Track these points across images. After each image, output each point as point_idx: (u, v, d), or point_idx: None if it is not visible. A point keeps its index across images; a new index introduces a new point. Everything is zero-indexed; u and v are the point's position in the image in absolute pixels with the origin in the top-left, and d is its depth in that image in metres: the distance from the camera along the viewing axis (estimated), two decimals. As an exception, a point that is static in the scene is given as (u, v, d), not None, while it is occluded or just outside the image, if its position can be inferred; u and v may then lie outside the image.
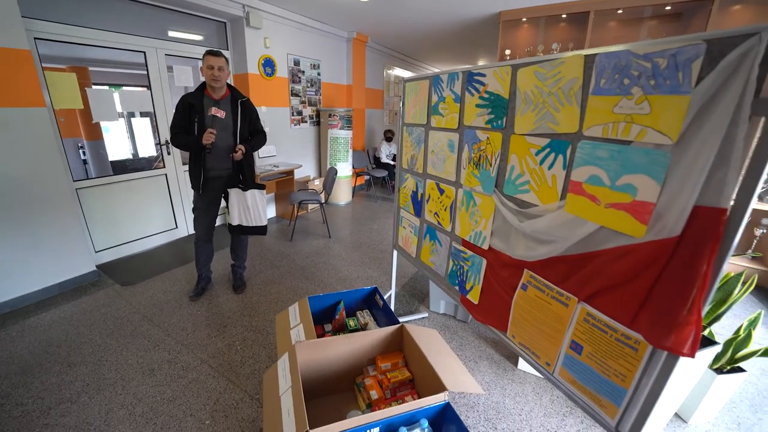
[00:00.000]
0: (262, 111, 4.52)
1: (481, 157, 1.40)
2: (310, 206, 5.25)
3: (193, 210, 2.68)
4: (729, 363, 1.70)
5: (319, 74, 5.36)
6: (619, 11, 3.70)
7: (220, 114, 2.40)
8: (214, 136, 2.36)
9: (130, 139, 8.25)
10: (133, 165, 4.05)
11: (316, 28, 5.05)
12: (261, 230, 2.77)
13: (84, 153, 5.24)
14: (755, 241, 3.45)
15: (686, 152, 0.81)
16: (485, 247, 1.45)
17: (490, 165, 1.36)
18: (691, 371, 1.60)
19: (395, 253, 2.37)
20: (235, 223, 2.71)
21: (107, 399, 1.87)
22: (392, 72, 7.47)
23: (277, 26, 4.53)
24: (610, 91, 0.94)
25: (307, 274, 3.31)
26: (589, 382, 1.04)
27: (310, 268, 3.41)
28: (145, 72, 3.60)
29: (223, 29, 4.28)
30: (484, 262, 1.47)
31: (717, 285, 0.80)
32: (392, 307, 2.53)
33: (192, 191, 2.63)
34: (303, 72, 5.07)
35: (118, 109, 3.44)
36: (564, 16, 3.99)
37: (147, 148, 6.47)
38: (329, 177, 4.10)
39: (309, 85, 5.21)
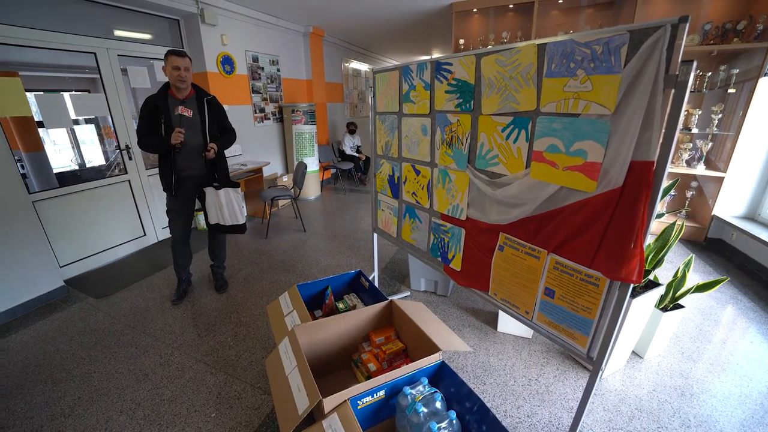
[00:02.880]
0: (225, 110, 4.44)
1: (453, 137, 1.56)
2: (281, 203, 5.24)
3: (168, 213, 2.65)
4: (671, 302, 2.00)
5: (278, 70, 5.32)
6: (560, 1, 4.01)
7: (188, 113, 2.39)
8: (183, 136, 2.36)
9: (74, 148, 7.71)
10: (84, 175, 3.81)
11: (272, 24, 5.00)
12: (239, 229, 2.78)
13: (23, 166, 4.87)
14: (687, 201, 3.92)
15: (621, 120, 1.01)
16: (463, 217, 1.62)
17: (462, 144, 1.52)
18: (642, 312, 1.87)
19: (375, 236, 2.50)
20: (212, 222, 2.71)
21: (104, 408, 1.86)
22: (350, 65, 7.51)
23: (234, 22, 4.46)
24: (560, 73, 1.12)
25: (287, 267, 3.36)
26: (562, 320, 1.24)
27: (289, 262, 3.47)
28: (90, 75, 3.43)
29: (177, 27, 4.14)
30: (463, 231, 1.64)
31: (652, 229, 1.00)
32: (377, 288, 2.67)
33: (164, 195, 2.60)
34: (262, 68, 5.01)
35: (72, 115, 3.27)
36: (511, 6, 4.26)
37: (95, 157, 6.11)
38: (299, 172, 4.14)
39: (269, 81, 5.17)
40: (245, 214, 4.78)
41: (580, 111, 1.09)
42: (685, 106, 0.95)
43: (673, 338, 2.27)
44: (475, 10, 4.42)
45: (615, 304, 1.09)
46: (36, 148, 4.88)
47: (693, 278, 3.04)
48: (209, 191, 2.61)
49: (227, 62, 4.42)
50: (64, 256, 3.26)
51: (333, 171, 6.84)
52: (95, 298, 2.94)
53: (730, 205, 3.56)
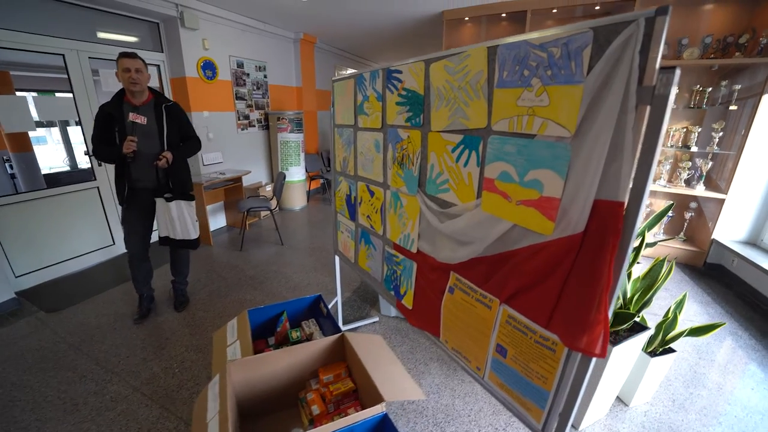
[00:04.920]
0: (204, 116, 4.28)
1: (404, 156, 1.35)
2: (263, 213, 5.05)
3: (122, 225, 2.49)
4: (661, 345, 1.77)
5: (265, 77, 5.16)
6: (554, 10, 3.84)
7: (140, 120, 2.22)
8: (135, 144, 2.19)
9: (66, 149, 7.61)
10: (71, 178, 3.64)
11: (260, 29, 4.86)
12: (191, 244, 2.59)
13: (11, 167, 4.75)
14: (685, 224, 3.69)
15: (583, 144, 0.79)
16: (413, 250, 1.40)
17: (413, 164, 1.31)
18: (627, 357, 1.65)
19: (337, 259, 2.29)
20: (162, 235, 2.53)
21: (17, 446, 1.66)
22: (344, 73, 7.38)
23: (217, 27, 4.31)
24: (513, 83, 0.91)
25: (255, 284, 3.15)
26: (516, 385, 1.01)
27: (259, 278, 3.26)
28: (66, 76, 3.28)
29: (156, 30, 4.00)
30: (415, 265, 1.42)
31: (621, 283, 0.78)
32: (340, 314, 2.45)
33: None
34: (248, 74, 4.86)
35: (35, 117, 3.11)
36: (504, 15, 4.09)
37: (86, 159, 5.99)
38: (278, 182, 3.95)
39: (255, 88, 5.01)
40: (218, 225, 4.63)
41: (536, 131, 0.87)
42: (683, 123, 0.74)
43: (664, 381, 2.03)
44: (466, 18, 4.27)
45: (574, 379, 0.85)
46: (24, 148, 4.77)
47: (694, 309, 2.81)
48: (159, 203, 2.43)
49: (209, 67, 4.27)
50: (20, 266, 3.07)
51: (322, 181, 6.65)
52: (46, 313, 2.75)
53: (731, 228, 3.33)
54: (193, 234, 2.56)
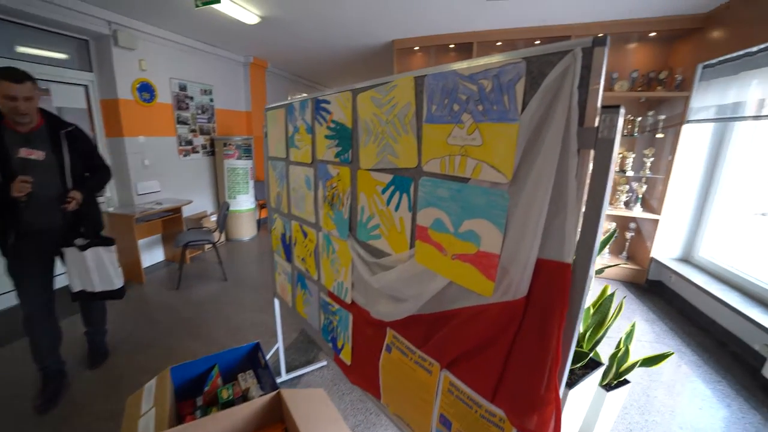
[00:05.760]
0: (139, 141, 3.93)
1: (334, 195, 1.21)
2: (207, 245, 4.67)
3: (12, 279, 1.94)
4: (615, 378, 1.73)
5: (212, 100, 4.91)
6: (498, 43, 4.01)
7: (36, 155, 1.81)
8: (30, 185, 1.75)
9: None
10: None
11: (206, 51, 4.64)
12: (114, 294, 2.21)
13: None
14: (627, 243, 3.87)
15: (522, 192, 0.69)
16: (348, 300, 1.25)
17: (343, 205, 1.18)
18: (584, 395, 1.58)
19: (276, 302, 2.07)
20: (76, 289, 2.11)
21: None
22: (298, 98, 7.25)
23: (157, 47, 4.04)
24: (442, 118, 0.81)
25: (191, 329, 2.81)
26: (462, 462, 0.87)
27: (195, 321, 2.92)
28: None
29: (85, 48, 3.67)
30: (351, 316, 1.26)
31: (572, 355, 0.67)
32: (282, 362, 2.20)
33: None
34: (191, 98, 4.59)
35: None
36: (452, 46, 4.21)
37: None
38: (221, 213, 3.67)
39: (200, 111, 4.73)
40: (156, 260, 4.19)
41: (470, 174, 0.77)
42: (619, 150, 0.64)
43: (621, 410, 2.00)
44: (416, 48, 4.35)
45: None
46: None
47: (638, 328, 2.85)
48: (70, 251, 2.01)
49: (146, 89, 3.96)
50: None
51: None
52: None
53: (666, 247, 3.52)
54: (117, 283, 2.19)
